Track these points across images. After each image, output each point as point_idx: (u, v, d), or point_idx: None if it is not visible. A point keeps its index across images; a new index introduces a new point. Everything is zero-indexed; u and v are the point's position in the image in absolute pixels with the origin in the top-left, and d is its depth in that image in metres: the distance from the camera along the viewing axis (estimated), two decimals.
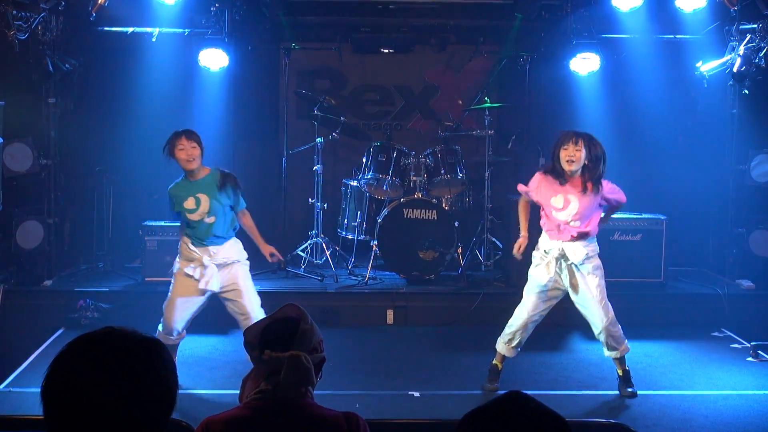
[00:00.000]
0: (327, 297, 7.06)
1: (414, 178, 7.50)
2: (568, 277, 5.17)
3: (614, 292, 7.05)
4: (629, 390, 5.25)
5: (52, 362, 1.53)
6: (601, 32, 7.71)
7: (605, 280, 5.26)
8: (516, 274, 7.25)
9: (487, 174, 7.82)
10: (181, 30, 7.69)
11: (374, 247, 7.29)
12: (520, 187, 5.39)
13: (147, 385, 1.53)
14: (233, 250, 5.25)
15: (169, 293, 5.22)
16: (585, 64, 7.61)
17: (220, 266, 5.18)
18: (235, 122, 8.40)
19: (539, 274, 5.23)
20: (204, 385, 5.31)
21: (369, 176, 7.54)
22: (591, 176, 5.01)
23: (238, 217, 5.34)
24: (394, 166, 7.47)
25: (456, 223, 7.37)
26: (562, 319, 6.87)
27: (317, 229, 7.80)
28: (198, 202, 5.19)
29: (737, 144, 7.54)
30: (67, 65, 7.15)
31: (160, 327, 5.23)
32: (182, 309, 5.16)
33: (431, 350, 6.33)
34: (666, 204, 7.56)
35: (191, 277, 5.15)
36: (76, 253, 7.67)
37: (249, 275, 5.33)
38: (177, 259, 5.29)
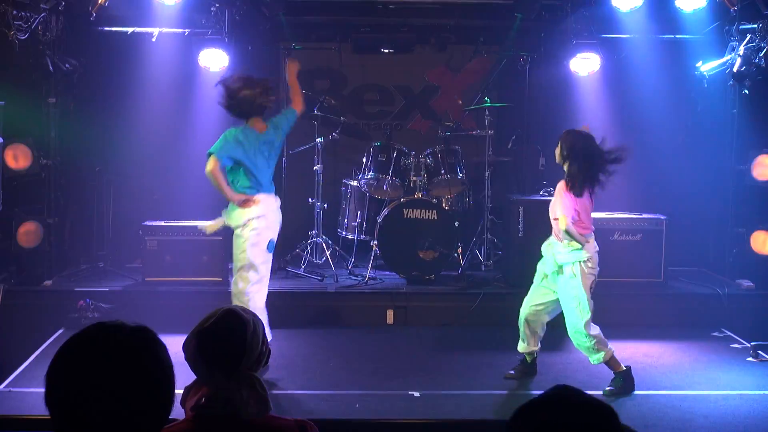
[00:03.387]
0: (327, 297, 7.06)
1: (414, 178, 7.50)
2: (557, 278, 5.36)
3: (614, 292, 7.10)
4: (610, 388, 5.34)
5: (49, 370, 1.55)
6: (601, 32, 7.70)
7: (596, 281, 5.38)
8: (516, 274, 7.26)
9: (487, 174, 7.82)
10: (181, 30, 7.69)
11: (374, 247, 7.29)
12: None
13: (141, 377, 1.54)
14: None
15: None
16: (585, 64, 7.61)
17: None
18: (235, 122, 8.37)
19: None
20: None
21: (369, 176, 7.54)
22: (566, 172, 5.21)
23: None
24: (394, 166, 7.46)
25: (456, 223, 7.37)
26: (562, 319, 6.87)
27: (317, 229, 7.80)
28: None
29: (737, 144, 7.54)
30: (67, 65, 7.15)
31: (249, 282, 5.42)
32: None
33: (431, 350, 6.33)
34: (666, 204, 7.56)
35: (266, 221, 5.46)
36: (76, 253, 7.67)
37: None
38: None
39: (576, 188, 5.09)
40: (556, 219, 5.19)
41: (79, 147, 7.57)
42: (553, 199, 5.31)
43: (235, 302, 5.24)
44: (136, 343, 1.59)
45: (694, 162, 7.89)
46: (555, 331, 6.27)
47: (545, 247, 5.41)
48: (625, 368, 5.35)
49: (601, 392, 5.33)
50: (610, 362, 5.31)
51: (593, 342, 5.23)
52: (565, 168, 5.17)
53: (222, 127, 8.02)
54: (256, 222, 5.37)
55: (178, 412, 1.84)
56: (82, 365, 1.53)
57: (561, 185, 5.20)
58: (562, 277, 5.27)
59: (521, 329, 5.50)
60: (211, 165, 5.31)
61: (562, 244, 5.23)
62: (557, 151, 5.21)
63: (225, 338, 2.31)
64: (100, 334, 1.59)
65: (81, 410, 1.50)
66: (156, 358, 1.60)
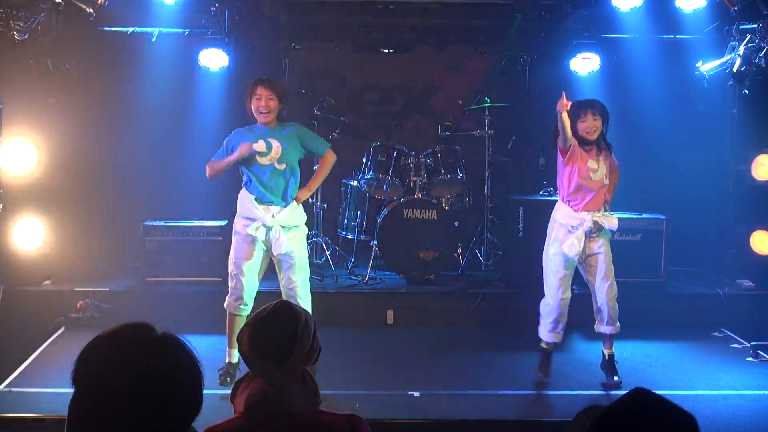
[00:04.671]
0: (327, 297, 7.06)
1: (414, 178, 7.50)
2: (588, 248, 5.34)
3: None
4: (614, 379, 5.37)
5: (84, 351, 1.54)
6: (601, 32, 7.70)
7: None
8: (516, 274, 7.27)
9: (487, 174, 7.82)
10: (181, 30, 7.69)
11: (374, 247, 7.29)
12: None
13: (172, 382, 1.55)
14: (296, 212, 5.23)
15: (234, 258, 5.19)
16: (585, 64, 7.61)
17: (282, 229, 5.15)
18: (236, 122, 8.35)
19: (568, 250, 5.31)
20: (205, 386, 5.29)
21: (369, 176, 7.54)
22: (605, 140, 5.36)
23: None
24: (394, 166, 7.47)
25: (456, 223, 7.37)
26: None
27: (317, 229, 7.81)
28: (269, 146, 5.12)
29: (737, 144, 7.54)
30: (67, 65, 7.15)
31: (230, 298, 5.22)
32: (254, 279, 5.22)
33: (431, 350, 6.32)
34: (666, 204, 7.56)
35: (253, 238, 5.11)
36: (76, 253, 7.66)
37: (304, 239, 5.35)
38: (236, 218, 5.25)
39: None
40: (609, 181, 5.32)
41: (79, 147, 7.57)
42: (605, 166, 5.30)
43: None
44: (171, 348, 1.60)
45: (694, 162, 7.89)
46: None
47: (585, 220, 5.28)
48: None
49: (600, 392, 5.33)
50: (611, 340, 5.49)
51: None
52: (601, 132, 5.30)
53: (222, 127, 8.02)
54: None
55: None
56: (113, 364, 1.53)
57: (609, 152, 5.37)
58: (604, 243, 5.32)
59: (563, 318, 5.43)
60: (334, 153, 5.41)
61: (602, 210, 5.31)
62: (598, 122, 5.25)
63: (276, 329, 2.33)
64: (134, 333, 1.59)
65: (101, 405, 1.49)
66: (192, 366, 1.60)
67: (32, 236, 6.88)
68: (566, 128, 5.14)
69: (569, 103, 5.18)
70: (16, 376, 5.53)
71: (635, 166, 8.11)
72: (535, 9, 8.01)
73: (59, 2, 6.72)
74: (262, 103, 5.12)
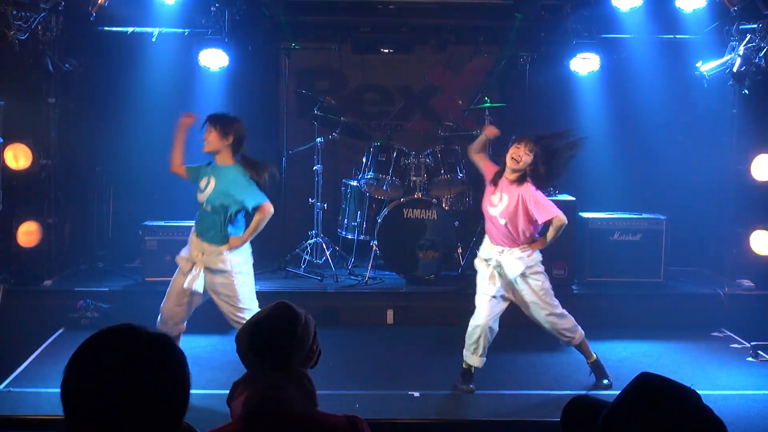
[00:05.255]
0: (327, 297, 7.06)
1: (414, 178, 7.50)
2: (508, 286, 5.28)
3: (614, 292, 7.10)
4: (604, 382, 5.35)
5: (71, 360, 1.55)
6: (601, 32, 7.70)
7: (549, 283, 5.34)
8: None
9: None
10: (181, 30, 7.69)
11: (374, 247, 7.29)
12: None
13: (160, 382, 1.55)
14: (223, 257, 5.01)
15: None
16: (585, 64, 7.61)
17: (206, 269, 5.02)
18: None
19: (485, 284, 5.27)
20: (204, 385, 5.29)
21: (369, 176, 7.54)
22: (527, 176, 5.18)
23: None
24: (394, 166, 7.46)
25: (456, 223, 7.37)
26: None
27: (317, 229, 7.80)
28: (207, 185, 5.03)
29: (737, 144, 7.54)
30: (67, 65, 7.15)
31: (158, 318, 5.20)
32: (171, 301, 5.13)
33: (431, 350, 6.33)
34: (666, 204, 7.56)
35: (181, 269, 5.10)
36: (76, 253, 7.67)
37: (235, 284, 5.04)
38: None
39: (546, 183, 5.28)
40: (548, 220, 5.14)
41: (79, 147, 7.57)
42: (509, 204, 5.14)
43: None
44: (163, 345, 1.60)
45: (694, 162, 7.89)
46: None
47: (489, 252, 5.27)
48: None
49: (600, 392, 5.33)
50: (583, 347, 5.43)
51: None
52: (526, 170, 5.14)
53: None
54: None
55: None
56: (99, 364, 1.54)
57: (530, 187, 5.14)
58: (522, 281, 5.22)
59: (483, 342, 5.30)
60: (271, 208, 5.09)
61: (514, 253, 5.17)
62: (526, 158, 5.10)
63: (275, 330, 2.31)
64: (121, 335, 1.59)
65: (92, 409, 1.50)
66: (178, 364, 1.60)
67: (32, 236, 6.88)
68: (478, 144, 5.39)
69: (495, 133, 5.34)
70: (16, 376, 5.53)
71: (635, 166, 8.13)
72: (535, 9, 8.01)
73: (59, 2, 6.73)
74: (204, 135, 5.05)
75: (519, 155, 5.11)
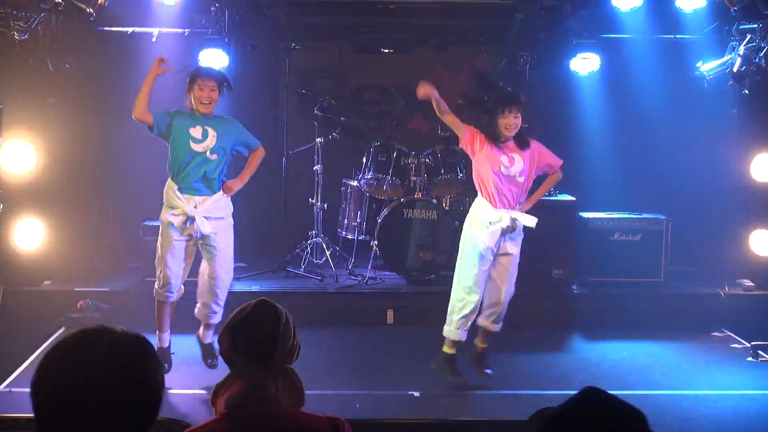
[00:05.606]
0: (327, 297, 7.06)
1: (414, 178, 7.50)
2: (502, 247, 5.32)
3: (614, 292, 7.10)
4: (486, 372, 5.44)
5: (42, 360, 1.55)
6: (601, 32, 7.70)
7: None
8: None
9: None
10: (181, 30, 7.68)
11: (374, 247, 7.29)
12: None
13: (132, 384, 1.54)
14: (221, 203, 5.27)
15: (158, 248, 5.29)
16: (585, 64, 7.60)
17: (205, 219, 5.18)
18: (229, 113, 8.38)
19: (486, 248, 5.28)
20: (202, 385, 5.30)
21: (369, 176, 7.54)
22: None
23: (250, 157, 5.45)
24: (394, 166, 7.47)
25: (456, 223, 7.36)
26: (562, 320, 6.87)
27: (317, 229, 7.80)
28: (206, 134, 5.19)
29: (737, 144, 7.53)
30: (67, 65, 7.14)
31: (156, 285, 5.30)
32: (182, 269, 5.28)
33: (431, 350, 6.31)
34: (666, 204, 7.56)
35: (174, 226, 5.18)
36: (76, 253, 7.66)
37: (231, 232, 5.35)
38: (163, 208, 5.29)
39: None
40: (554, 169, 5.35)
41: (79, 147, 7.57)
42: (525, 162, 5.26)
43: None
44: (137, 347, 1.60)
45: (694, 162, 7.88)
46: (555, 331, 6.29)
47: (496, 215, 5.28)
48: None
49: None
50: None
51: None
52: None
53: None
54: None
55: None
56: (70, 364, 1.53)
57: (535, 142, 5.38)
58: (517, 242, 5.33)
59: (475, 314, 5.42)
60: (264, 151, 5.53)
61: (517, 208, 5.30)
62: (517, 121, 5.23)
63: (258, 328, 2.31)
64: (94, 336, 1.59)
65: (63, 409, 1.50)
66: (152, 365, 1.60)
67: (32, 236, 6.88)
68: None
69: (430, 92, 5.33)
70: (16, 376, 5.53)
71: (635, 165, 8.13)
72: (535, 9, 8.01)
73: (59, 2, 6.72)
74: (205, 93, 5.22)
75: (511, 123, 5.21)
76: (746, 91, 7.10)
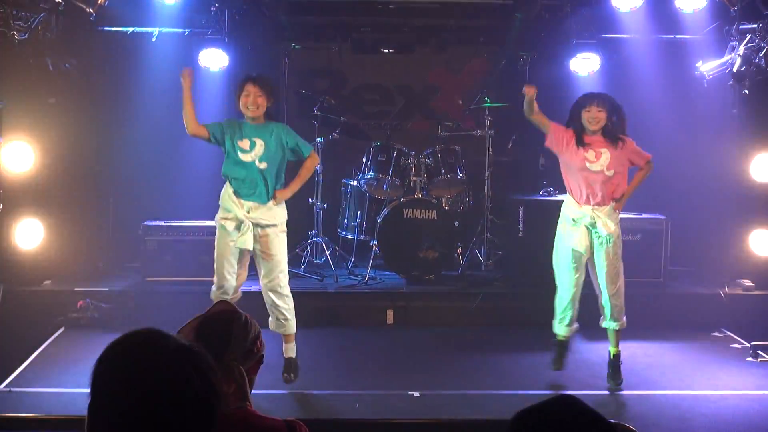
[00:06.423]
0: (327, 297, 7.06)
1: (414, 178, 7.50)
2: (594, 243, 5.32)
3: None
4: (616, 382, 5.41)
5: (100, 359, 1.52)
6: (601, 32, 7.70)
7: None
8: (516, 273, 7.27)
9: (487, 174, 7.82)
10: (181, 30, 7.69)
11: (374, 247, 7.29)
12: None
13: (188, 394, 1.51)
14: (273, 211, 5.25)
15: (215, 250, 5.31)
16: (585, 64, 7.61)
17: (256, 226, 5.20)
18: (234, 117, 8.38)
19: (576, 244, 5.33)
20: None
21: (369, 176, 7.54)
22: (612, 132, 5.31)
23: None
24: (394, 166, 7.47)
25: (456, 223, 7.37)
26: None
27: (317, 229, 7.80)
28: (253, 144, 5.20)
29: (737, 144, 7.53)
30: (67, 65, 7.14)
31: (213, 287, 5.29)
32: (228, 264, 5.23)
33: (431, 350, 6.33)
34: (666, 204, 7.55)
35: (228, 230, 5.20)
36: (76, 253, 7.66)
37: (283, 240, 5.32)
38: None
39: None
40: (646, 162, 5.33)
41: (79, 147, 7.57)
42: (613, 156, 5.26)
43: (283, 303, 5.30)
44: (192, 355, 1.57)
45: (694, 162, 7.88)
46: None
47: (587, 215, 5.29)
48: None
49: (600, 392, 5.34)
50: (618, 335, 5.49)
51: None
52: (610, 124, 5.29)
53: None
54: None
55: None
56: (129, 372, 1.50)
57: (626, 138, 5.33)
58: (610, 243, 5.27)
59: (572, 310, 5.45)
60: (318, 157, 5.45)
61: (608, 208, 5.25)
62: (603, 114, 5.25)
63: (213, 328, 2.32)
64: (150, 342, 1.56)
65: (117, 413, 1.48)
66: (209, 377, 1.57)
67: (32, 236, 6.88)
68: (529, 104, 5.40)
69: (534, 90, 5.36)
70: (16, 376, 5.53)
71: (635, 166, 8.11)
72: (535, 9, 8.01)
73: (59, 2, 6.72)
74: (251, 99, 5.18)
75: (593, 117, 5.25)
76: (746, 91, 7.10)
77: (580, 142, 5.29)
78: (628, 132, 5.43)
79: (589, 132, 5.29)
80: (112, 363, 1.53)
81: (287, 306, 5.30)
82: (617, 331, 5.44)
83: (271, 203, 5.25)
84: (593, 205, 5.27)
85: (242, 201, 5.20)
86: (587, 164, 5.26)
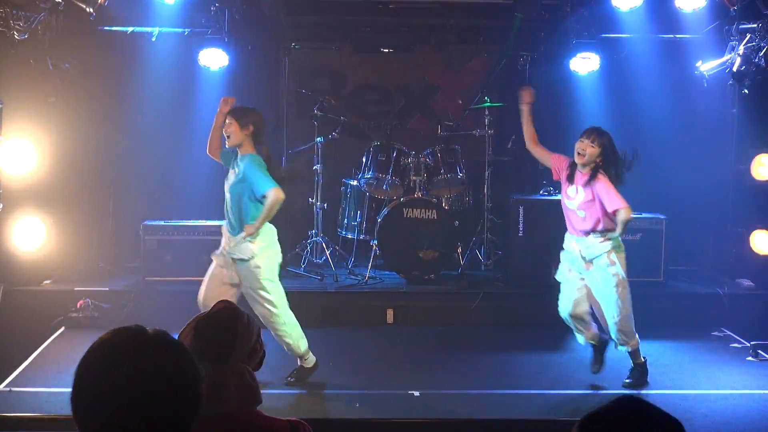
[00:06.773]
0: (327, 297, 7.06)
1: (414, 178, 7.50)
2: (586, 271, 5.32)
3: None
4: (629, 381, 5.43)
5: (76, 374, 1.55)
6: (601, 32, 7.69)
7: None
8: (516, 273, 7.27)
9: (487, 174, 7.82)
10: (181, 30, 7.68)
11: (374, 247, 7.29)
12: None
13: (174, 386, 1.54)
14: (242, 245, 5.12)
15: None
16: (585, 64, 7.61)
17: (234, 260, 5.19)
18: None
19: (565, 274, 5.42)
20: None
21: (369, 176, 7.54)
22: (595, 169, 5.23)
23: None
24: (394, 165, 7.47)
25: (456, 223, 7.37)
26: (562, 319, 6.85)
27: (317, 229, 7.80)
28: (232, 174, 5.21)
29: (737, 144, 7.54)
30: (67, 65, 7.14)
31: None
32: (210, 290, 5.21)
33: (431, 350, 6.33)
34: (666, 204, 7.55)
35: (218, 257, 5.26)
36: (76, 253, 7.66)
37: (257, 275, 5.13)
38: None
39: (616, 180, 5.23)
40: (614, 211, 5.17)
41: (79, 147, 7.57)
42: (585, 195, 5.20)
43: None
44: (160, 346, 1.59)
45: (694, 162, 7.88)
46: (554, 331, 6.28)
47: (572, 243, 5.37)
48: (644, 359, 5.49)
49: (600, 392, 5.33)
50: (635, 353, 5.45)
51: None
52: (596, 161, 5.19)
53: None
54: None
55: None
56: (107, 368, 1.53)
57: (603, 179, 5.18)
58: (600, 267, 5.25)
59: (573, 324, 5.47)
60: (281, 194, 5.07)
61: (591, 237, 5.23)
62: (590, 150, 5.18)
63: (217, 327, 2.32)
64: (124, 337, 1.59)
65: (106, 413, 1.50)
66: (179, 361, 1.60)
67: (32, 236, 6.88)
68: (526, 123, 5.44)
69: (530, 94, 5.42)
70: (16, 376, 5.53)
71: (635, 165, 8.11)
72: (535, 9, 8.00)
73: (59, 2, 6.72)
74: (225, 128, 5.21)
75: (583, 148, 5.20)
76: (746, 91, 7.10)
77: (570, 177, 5.30)
78: (632, 164, 5.39)
79: (579, 166, 5.26)
80: (93, 362, 1.56)
81: (283, 336, 5.25)
82: (631, 353, 5.44)
83: (240, 237, 5.12)
84: (577, 235, 5.31)
85: (226, 232, 5.27)
86: (566, 200, 5.31)
